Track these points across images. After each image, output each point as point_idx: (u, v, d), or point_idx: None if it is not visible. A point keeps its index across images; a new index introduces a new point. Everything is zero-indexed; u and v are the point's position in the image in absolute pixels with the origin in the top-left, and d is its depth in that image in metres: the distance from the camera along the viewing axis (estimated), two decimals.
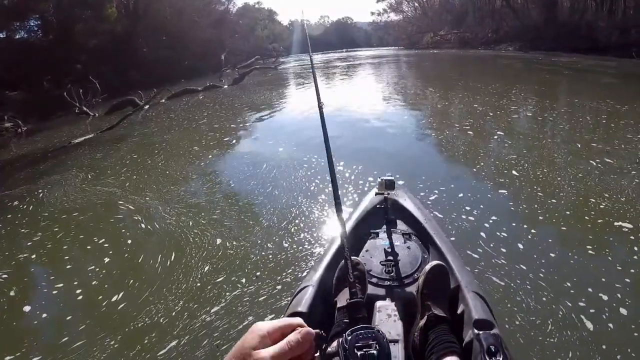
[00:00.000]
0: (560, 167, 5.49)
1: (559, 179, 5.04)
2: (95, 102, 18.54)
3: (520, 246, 3.61)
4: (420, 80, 18.89)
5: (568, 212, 4.19)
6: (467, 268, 2.32)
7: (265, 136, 8.66)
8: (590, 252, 3.48)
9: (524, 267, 3.30)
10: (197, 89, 19.26)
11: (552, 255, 3.44)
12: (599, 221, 3.97)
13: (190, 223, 4.65)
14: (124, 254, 4.17)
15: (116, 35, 27.37)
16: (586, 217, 4.05)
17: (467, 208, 4.37)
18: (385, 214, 2.76)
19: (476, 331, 1.71)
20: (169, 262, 3.88)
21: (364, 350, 0.75)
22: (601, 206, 4.23)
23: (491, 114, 9.19)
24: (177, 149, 8.18)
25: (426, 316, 1.83)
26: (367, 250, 2.43)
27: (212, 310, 3.13)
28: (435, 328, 1.78)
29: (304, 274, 3.18)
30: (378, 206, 2.86)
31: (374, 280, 2.20)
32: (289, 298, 2.36)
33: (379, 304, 2.03)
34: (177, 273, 3.68)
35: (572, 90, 13.32)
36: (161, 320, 3.09)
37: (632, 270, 3.20)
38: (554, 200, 4.44)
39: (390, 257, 2.34)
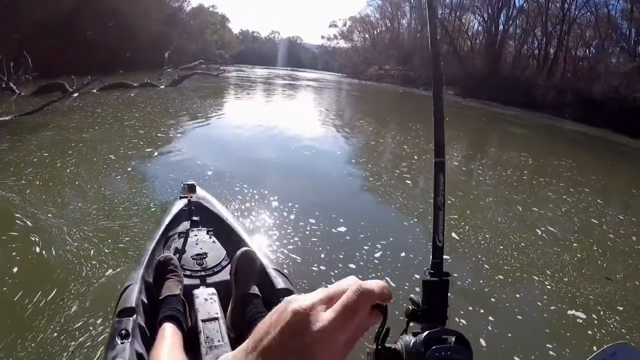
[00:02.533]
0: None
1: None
2: (25, 79, 17.01)
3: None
4: (357, 112, 18.75)
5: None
6: (268, 252, 2.90)
7: (190, 151, 8.02)
8: None
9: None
10: (133, 85, 18.23)
11: None
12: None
13: (92, 252, 3.92)
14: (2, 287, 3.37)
15: (61, 12, 25.34)
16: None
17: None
18: (190, 215, 3.03)
19: (279, 297, 1.87)
20: (44, 303, 3.15)
21: None
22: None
23: (416, 158, 9.36)
24: (93, 153, 7.33)
25: (241, 295, 2.14)
26: (178, 248, 2.67)
27: None
28: (249, 304, 2.08)
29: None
30: (184, 208, 3.10)
31: (188, 272, 2.46)
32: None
33: (196, 291, 2.26)
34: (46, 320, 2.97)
35: (502, 142, 13.62)
36: None
37: None
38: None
39: (199, 251, 2.61)
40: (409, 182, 7.68)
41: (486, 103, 29.89)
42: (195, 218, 3.00)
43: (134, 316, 1.91)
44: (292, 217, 5.27)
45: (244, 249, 2.36)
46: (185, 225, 2.99)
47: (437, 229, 0.86)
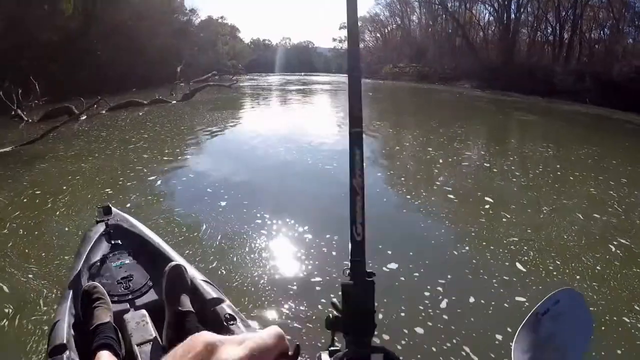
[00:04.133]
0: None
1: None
2: (35, 104, 16.77)
3: None
4: (374, 113, 17.79)
5: None
6: (193, 266, 2.59)
7: (196, 179, 7.10)
8: None
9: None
10: (143, 102, 17.53)
11: None
12: None
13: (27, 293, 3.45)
14: None
15: (70, 32, 24.96)
16: None
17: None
18: (109, 239, 2.81)
19: (212, 308, 2.10)
20: None
21: None
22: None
23: (441, 161, 8.52)
24: (88, 188, 6.42)
25: (174, 313, 2.04)
26: (102, 274, 2.49)
27: None
28: (183, 321, 1.99)
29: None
30: (103, 233, 2.85)
31: (116, 298, 2.31)
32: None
33: (126, 316, 2.13)
34: None
35: (524, 134, 12.91)
36: None
37: None
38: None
39: (124, 275, 2.46)
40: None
41: (504, 94, 28.77)
42: (115, 241, 2.81)
43: (67, 352, 1.80)
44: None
45: (172, 264, 2.28)
46: (105, 249, 2.78)
47: (354, 219, 0.82)
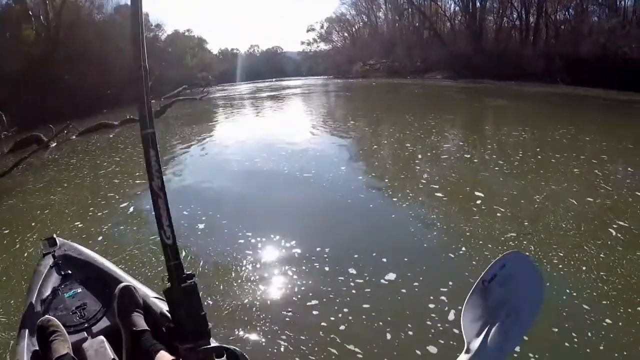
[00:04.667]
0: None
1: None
2: (5, 136, 16.35)
3: None
4: (348, 113, 17.61)
5: None
6: (144, 285, 2.51)
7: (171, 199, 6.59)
8: None
9: None
10: (113, 124, 17.01)
11: None
12: None
13: None
14: None
15: (35, 59, 24.42)
16: None
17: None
18: (59, 270, 2.69)
19: (167, 323, 1.65)
20: None
21: None
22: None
23: (420, 156, 8.16)
24: (57, 222, 5.97)
25: (130, 334, 2.02)
26: (56, 307, 2.42)
27: None
28: (140, 340, 1.97)
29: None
30: (51, 265, 2.73)
31: (72, 329, 2.26)
32: None
33: (84, 345, 2.12)
34: None
35: (500, 118, 12.89)
36: None
37: None
38: None
39: (78, 304, 2.41)
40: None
41: (476, 82, 28.82)
42: (65, 272, 2.69)
43: None
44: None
45: (121, 285, 2.28)
46: (56, 281, 2.65)
47: (161, 223, 0.93)
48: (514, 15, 38.97)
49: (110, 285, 2.51)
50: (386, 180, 7.13)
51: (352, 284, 3.79)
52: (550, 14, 35.60)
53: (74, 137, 15.22)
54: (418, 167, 7.70)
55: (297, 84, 43.04)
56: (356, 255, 4.27)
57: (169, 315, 1.81)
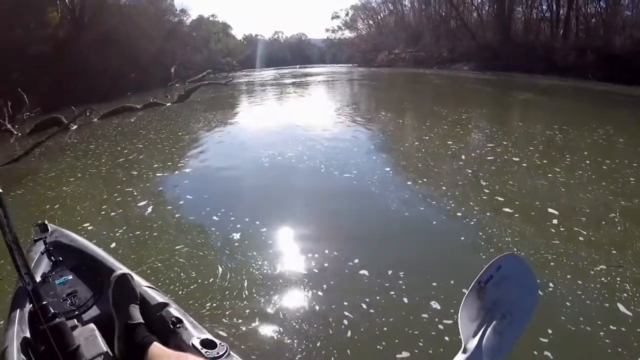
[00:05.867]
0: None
1: None
2: (27, 117, 15.97)
3: None
4: (376, 103, 16.61)
5: None
6: (136, 273, 2.33)
7: (195, 198, 5.83)
8: None
9: None
10: (136, 107, 16.28)
11: None
12: None
13: None
14: None
15: (59, 42, 24.05)
16: None
17: None
18: (50, 256, 2.61)
19: (158, 313, 2.01)
20: None
21: None
22: None
23: (464, 157, 6.60)
24: (65, 220, 5.09)
25: (123, 325, 1.93)
26: (47, 294, 2.25)
27: None
28: (133, 332, 1.88)
29: None
30: (42, 252, 2.63)
31: (64, 315, 2.06)
32: None
33: (75, 332, 1.99)
34: None
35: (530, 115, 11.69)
36: None
37: None
38: None
39: (69, 291, 2.35)
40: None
41: (504, 74, 27.40)
42: (55, 258, 2.58)
43: None
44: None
45: (117, 273, 2.14)
46: (47, 267, 2.54)
47: (20, 272, 1.06)
48: (544, 7, 37.49)
49: (102, 272, 2.46)
50: (442, 188, 5.85)
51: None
52: (581, 6, 34.17)
53: (96, 120, 14.54)
54: (469, 171, 6.54)
55: (321, 72, 41.96)
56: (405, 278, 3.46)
57: (163, 303, 2.04)
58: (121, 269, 2.35)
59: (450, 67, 37.37)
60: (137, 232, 4.67)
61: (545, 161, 6.89)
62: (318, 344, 2.78)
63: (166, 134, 10.87)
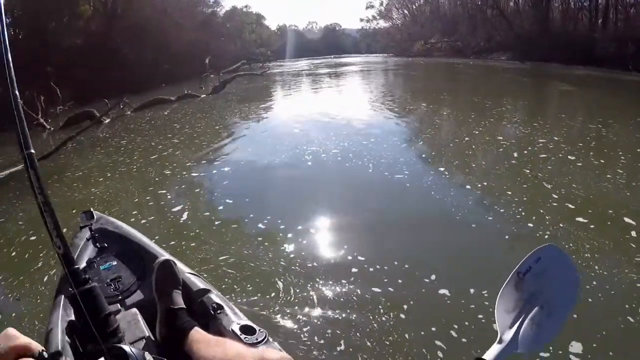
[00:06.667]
0: None
1: None
2: (61, 110, 15.77)
3: None
4: (415, 93, 15.64)
5: None
6: (179, 261, 2.26)
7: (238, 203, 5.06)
8: None
9: None
10: (170, 99, 15.73)
11: None
12: None
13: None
14: None
15: (91, 34, 24.03)
16: None
17: None
18: (95, 243, 2.59)
19: (199, 299, 2.00)
20: None
21: None
22: None
23: (517, 155, 5.67)
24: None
25: (165, 310, 1.89)
26: (92, 279, 1.59)
27: None
28: (175, 317, 1.85)
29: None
30: (88, 239, 2.60)
31: (107, 300, 1.95)
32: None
33: (117, 316, 1.78)
34: None
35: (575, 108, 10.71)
36: None
37: None
38: None
39: (113, 276, 2.34)
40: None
41: (543, 64, 26.07)
42: (101, 244, 2.55)
43: (62, 358, 1.17)
44: None
45: (161, 259, 2.07)
46: (92, 253, 2.51)
47: (52, 236, 0.93)
48: None
49: (145, 259, 2.44)
50: (506, 193, 4.93)
51: None
52: None
53: (129, 112, 14.09)
54: (527, 171, 5.59)
55: (355, 61, 40.99)
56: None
57: (205, 289, 2.08)
58: (165, 255, 2.32)
59: (487, 57, 36.04)
60: (172, 242, 3.99)
61: (602, 161, 5.95)
62: (358, 334, 2.69)
63: (202, 128, 10.18)
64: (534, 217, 4.13)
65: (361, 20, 74.21)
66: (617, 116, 9.31)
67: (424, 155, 6.68)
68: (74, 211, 5.05)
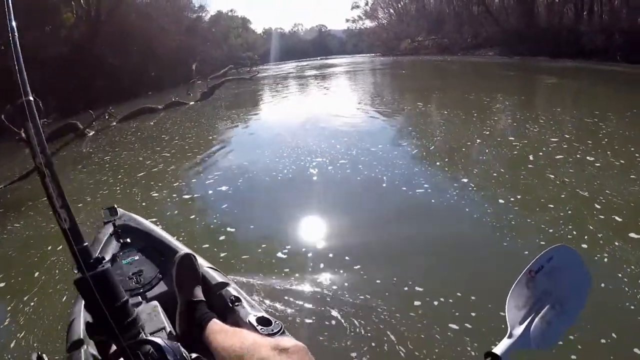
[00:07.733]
0: None
1: None
2: (45, 123, 14.86)
3: None
4: (397, 90, 14.92)
5: None
6: (199, 256, 2.27)
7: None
8: None
9: None
10: (157, 108, 14.92)
11: None
12: None
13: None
14: None
15: (75, 43, 23.10)
16: None
17: None
18: (118, 238, 2.69)
19: (217, 292, 2.04)
20: None
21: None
22: None
23: (532, 158, 4.87)
24: (59, 279, 3.72)
25: (185, 302, 1.91)
26: (115, 273, 1.68)
27: None
28: (194, 310, 1.86)
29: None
30: (111, 234, 2.72)
31: (128, 293, 1.94)
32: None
33: (138, 309, 1.78)
34: None
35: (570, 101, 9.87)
36: None
37: None
38: None
39: (135, 270, 2.39)
40: None
41: (530, 59, 25.81)
42: (124, 240, 2.65)
43: (84, 347, 1.75)
44: None
45: (182, 253, 2.13)
46: (115, 248, 2.62)
47: (53, 205, 0.82)
48: None
49: (167, 254, 2.49)
50: (547, 207, 4.14)
51: None
52: None
53: (114, 123, 13.25)
54: (552, 176, 4.89)
55: (342, 62, 40.57)
56: None
57: (223, 282, 2.10)
58: (185, 250, 2.32)
59: (475, 53, 35.81)
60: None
61: (622, 161, 5.29)
62: (371, 330, 2.65)
63: (194, 139, 9.34)
64: (586, 237, 3.50)
65: (347, 20, 74.06)
66: (616, 108, 8.87)
67: (445, 167, 5.93)
68: (49, 248, 4.29)
